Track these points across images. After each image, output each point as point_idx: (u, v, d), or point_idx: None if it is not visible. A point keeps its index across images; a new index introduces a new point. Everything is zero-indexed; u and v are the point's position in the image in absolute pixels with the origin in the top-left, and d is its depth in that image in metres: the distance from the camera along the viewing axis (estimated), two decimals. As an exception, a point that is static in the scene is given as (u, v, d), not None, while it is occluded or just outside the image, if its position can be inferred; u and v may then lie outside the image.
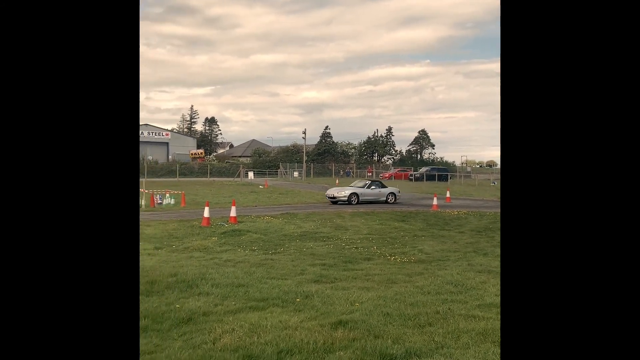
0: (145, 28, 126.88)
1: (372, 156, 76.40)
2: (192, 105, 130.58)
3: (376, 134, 77.79)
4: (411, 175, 52.98)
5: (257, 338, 5.13)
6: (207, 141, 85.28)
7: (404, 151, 79.66)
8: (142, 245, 11.41)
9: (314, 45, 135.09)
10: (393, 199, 24.81)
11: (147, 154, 60.86)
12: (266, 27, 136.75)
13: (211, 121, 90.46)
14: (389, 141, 77.43)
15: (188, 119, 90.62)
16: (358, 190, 24.37)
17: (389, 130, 77.99)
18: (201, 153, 67.94)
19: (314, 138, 74.01)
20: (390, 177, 54.18)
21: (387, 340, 5.12)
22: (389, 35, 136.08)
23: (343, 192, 24.14)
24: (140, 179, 33.31)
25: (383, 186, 25.75)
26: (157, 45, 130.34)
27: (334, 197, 23.96)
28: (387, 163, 74.27)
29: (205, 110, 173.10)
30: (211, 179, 50.66)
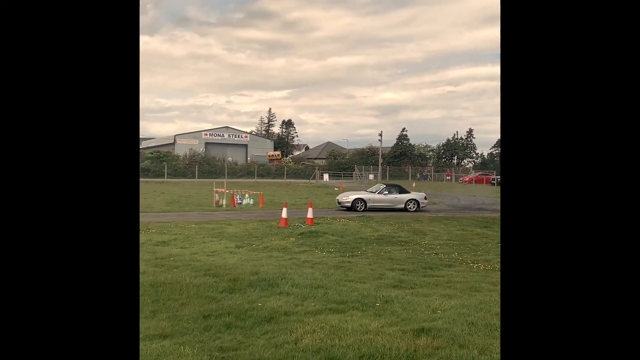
0: (226, 34, 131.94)
1: (452, 159, 74.40)
2: (270, 108, 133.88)
3: (456, 136, 75.78)
4: (493, 179, 50.92)
5: (339, 341, 5.11)
6: (283, 143, 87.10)
7: (485, 154, 76.92)
8: (225, 243, 11.81)
9: (392, 46, 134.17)
10: (415, 207, 21.09)
11: (227, 155, 63.19)
12: (344, 29, 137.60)
13: (288, 124, 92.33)
14: (470, 144, 75.13)
15: (266, 121, 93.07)
16: (366, 196, 21.20)
17: (470, 132, 75.78)
18: (278, 155, 69.51)
19: (390, 140, 73.43)
20: (470, 181, 52.50)
21: (472, 350, 4.92)
22: (470, 34, 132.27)
23: (347, 197, 21.20)
24: (222, 180, 34.69)
25: (403, 191, 21.89)
26: (238, 50, 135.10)
27: (339, 202, 21.43)
28: (468, 166, 71.99)
29: (282, 112, 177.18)
30: (287, 180, 51.65)
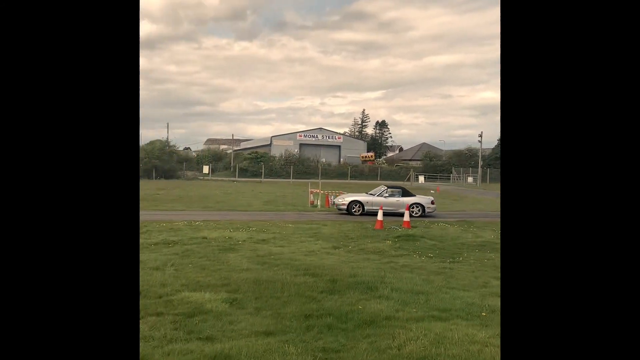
0: (322, 36, 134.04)
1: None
2: (363, 109, 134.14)
3: (561, 138, 70.72)
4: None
5: (444, 350, 4.92)
6: (377, 144, 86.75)
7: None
8: (321, 243, 11.92)
9: (492, 43, 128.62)
10: (420, 212, 18.82)
11: (321, 156, 64.14)
12: (441, 28, 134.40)
13: (381, 124, 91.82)
14: (576, 146, 69.84)
15: (359, 122, 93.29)
16: (364, 198, 19.28)
17: (576, 133, 70.35)
18: (371, 156, 69.29)
19: (490, 142, 70.38)
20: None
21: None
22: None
23: (344, 200, 19.36)
24: (315, 180, 35.24)
25: (407, 194, 19.72)
26: (333, 52, 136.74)
27: (335, 204, 19.67)
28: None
29: (376, 113, 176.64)
30: (381, 181, 51.31)
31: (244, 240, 11.87)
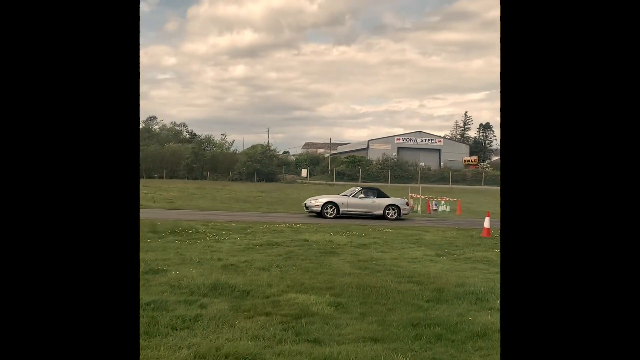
0: (422, 38, 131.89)
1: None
2: (466, 111, 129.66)
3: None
4: None
5: (568, 372, 4.53)
6: (480, 148, 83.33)
7: None
8: (424, 250, 11.62)
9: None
10: (395, 214, 18.15)
11: (420, 160, 62.91)
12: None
13: (485, 127, 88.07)
14: None
15: (461, 125, 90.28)
16: (338, 200, 18.39)
17: None
18: (474, 160, 66.69)
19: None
20: None
21: None
22: None
23: (317, 201, 18.43)
24: (415, 185, 34.52)
25: (382, 195, 18.79)
26: (432, 54, 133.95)
27: (307, 207, 18.76)
28: None
29: (479, 115, 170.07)
30: (485, 187, 49.21)
31: (345, 244, 11.91)
